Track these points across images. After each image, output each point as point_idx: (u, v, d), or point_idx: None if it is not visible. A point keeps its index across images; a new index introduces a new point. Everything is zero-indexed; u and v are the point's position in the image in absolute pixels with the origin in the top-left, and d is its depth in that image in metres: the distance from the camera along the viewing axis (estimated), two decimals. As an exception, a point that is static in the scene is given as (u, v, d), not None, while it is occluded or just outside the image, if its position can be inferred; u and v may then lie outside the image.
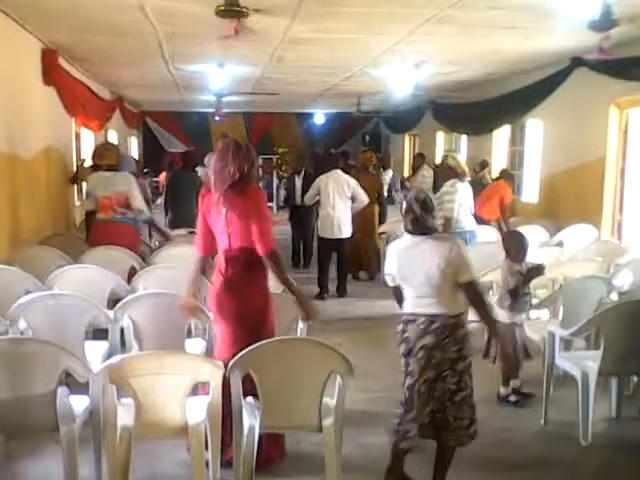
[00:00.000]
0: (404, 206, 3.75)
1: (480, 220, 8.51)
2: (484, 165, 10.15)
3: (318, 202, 8.71)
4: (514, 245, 5.10)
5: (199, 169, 9.59)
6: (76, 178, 9.19)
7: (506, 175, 9.59)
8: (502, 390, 5.14)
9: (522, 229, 8.10)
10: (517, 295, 4.97)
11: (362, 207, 8.72)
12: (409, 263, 3.67)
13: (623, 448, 4.43)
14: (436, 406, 3.62)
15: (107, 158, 7.06)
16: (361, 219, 9.23)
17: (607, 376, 4.67)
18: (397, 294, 3.84)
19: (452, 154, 8.74)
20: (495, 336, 3.92)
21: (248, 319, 4.03)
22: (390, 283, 3.85)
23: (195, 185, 8.25)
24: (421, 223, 3.65)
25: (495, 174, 11.31)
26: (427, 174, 11.64)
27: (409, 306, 3.71)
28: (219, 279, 4.07)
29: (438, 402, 3.62)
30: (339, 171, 8.63)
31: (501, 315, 5.00)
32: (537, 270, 5.01)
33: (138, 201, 6.84)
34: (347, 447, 3.97)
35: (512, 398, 5.10)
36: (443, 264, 3.57)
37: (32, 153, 7.37)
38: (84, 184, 8.82)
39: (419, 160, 12.36)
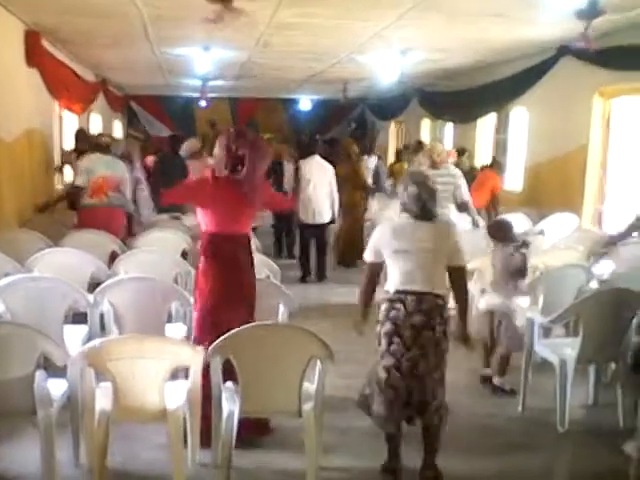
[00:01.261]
0: (410, 190, 3.75)
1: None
2: (461, 152, 10.14)
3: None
4: (502, 230, 5.20)
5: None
6: (62, 165, 9.16)
7: (497, 165, 9.60)
8: (496, 380, 5.14)
9: (505, 217, 8.19)
10: (524, 274, 5.06)
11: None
12: (404, 239, 3.72)
13: (600, 434, 4.47)
14: (415, 385, 3.64)
15: (86, 143, 7.06)
16: (350, 207, 9.25)
17: (585, 363, 4.71)
18: (373, 271, 3.87)
19: (432, 142, 8.79)
20: (464, 322, 3.91)
21: (251, 302, 4.20)
22: (370, 258, 3.85)
23: (184, 170, 8.23)
24: (428, 209, 3.75)
25: (480, 162, 11.38)
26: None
27: (396, 283, 3.69)
28: (222, 262, 4.09)
29: (417, 381, 3.64)
30: (318, 157, 8.72)
31: (494, 301, 5.05)
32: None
33: (129, 190, 6.92)
34: (327, 432, 3.99)
35: (498, 386, 5.12)
36: (439, 245, 3.71)
37: (14, 135, 7.29)
38: (67, 167, 8.78)
39: (418, 147, 12.27)
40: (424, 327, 3.63)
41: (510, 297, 5.07)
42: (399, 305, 3.65)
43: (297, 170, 8.90)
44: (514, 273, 5.04)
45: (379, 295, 3.89)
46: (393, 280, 3.73)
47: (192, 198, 4.27)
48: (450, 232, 3.83)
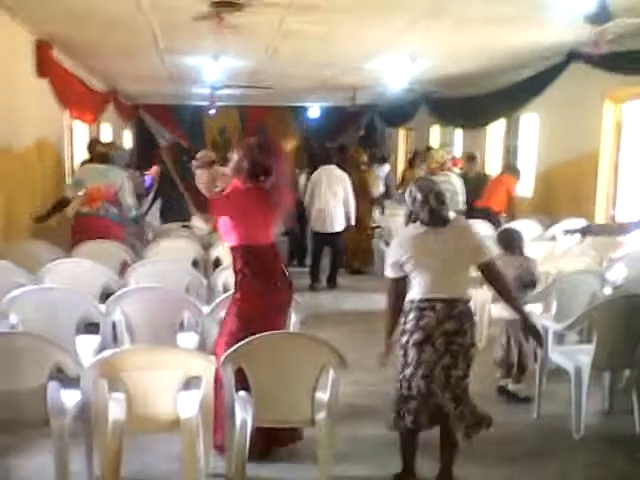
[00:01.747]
0: (419, 198, 3.67)
1: (488, 211, 8.66)
2: (471, 158, 10.12)
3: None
4: (511, 239, 5.15)
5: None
6: None
7: (513, 170, 9.57)
8: (511, 387, 5.10)
9: (516, 223, 8.20)
10: (534, 285, 5.02)
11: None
12: (425, 249, 3.62)
13: (615, 441, 4.44)
14: (449, 395, 3.57)
15: (99, 153, 7.04)
16: (358, 216, 9.27)
17: (600, 370, 4.68)
18: (396, 287, 3.70)
19: (432, 150, 8.87)
20: (520, 312, 3.82)
21: (288, 309, 4.17)
22: (392, 274, 3.70)
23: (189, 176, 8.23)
24: (437, 215, 3.66)
25: (490, 168, 11.38)
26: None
27: (423, 292, 3.59)
28: (263, 266, 4.05)
29: (450, 390, 3.57)
30: (332, 166, 8.80)
31: (496, 309, 5.02)
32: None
33: (128, 198, 6.82)
34: (339, 441, 3.97)
35: (513, 393, 5.09)
36: (460, 248, 3.63)
37: (25, 146, 7.33)
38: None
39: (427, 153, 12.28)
40: (457, 333, 3.56)
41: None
42: (430, 312, 3.55)
43: (308, 179, 8.96)
44: (526, 284, 4.98)
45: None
46: (418, 289, 3.63)
47: (237, 210, 3.99)
48: (468, 231, 3.74)
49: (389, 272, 3.73)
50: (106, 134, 13.14)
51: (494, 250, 5.23)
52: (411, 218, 3.74)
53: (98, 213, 6.70)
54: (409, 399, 3.61)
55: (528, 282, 4.99)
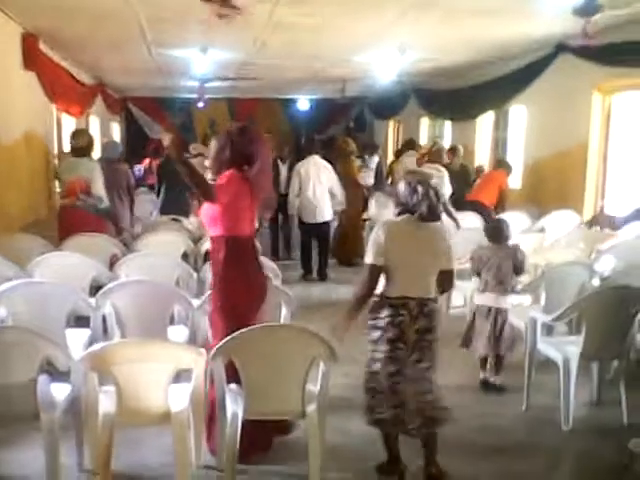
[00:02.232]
0: (420, 191, 3.65)
1: (477, 205, 8.66)
2: (454, 151, 10.09)
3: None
4: (500, 230, 5.17)
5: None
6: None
7: (505, 164, 9.59)
8: (492, 378, 5.16)
9: (505, 215, 8.23)
10: (519, 272, 5.09)
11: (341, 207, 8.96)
12: (406, 248, 3.66)
13: (604, 432, 4.46)
14: (417, 388, 3.65)
15: (74, 144, 7.01)
16: (347, 206, 9.27)
17: (588, 361, 4.70)
18: (375, 274, 3.67)
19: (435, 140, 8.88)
20: None
21: (264, 299, 4.11)
22: (372, 260, 3.65)
23: None
24: (433, 210, 3.67)
25: (479, 160, 11.40)
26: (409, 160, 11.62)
27: (398, 289, 3.63)
28: (246, 258, 4.03)
29: (418, 383, 3.66)
30: (317, 156, 8.82)
31: (484, 299, 5.05)
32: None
33: (98, 188, 6.80)
34: (329, 433, 3.98)
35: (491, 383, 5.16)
36: (438, 251, 3.69)
37: (12, 139, 7.29)
38: None
39: (409, 145, 12.31)
40: (427, 331, 3.65)
41: (504, 297, 5.07)
42: (404, 311, 3.61)
43: (291, 170, 8.99)
44: (508, 273, 5.04)
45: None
46: (393, 286, 3.66)
47: (230, 199, 3.88)
48: (445, 235, 3.81)
49: (372, 258, 3.67)
50: (94, 127, 13.08)
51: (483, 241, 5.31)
52: (402, 209, 3.73)
53: (76, 205, 6.67)
54: (375, 393, 3.68)
55: (517, 268, 5.05)
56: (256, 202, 4.04)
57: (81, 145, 6.92)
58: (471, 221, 8.05)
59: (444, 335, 3.84)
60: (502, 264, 5.04)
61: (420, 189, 3.66)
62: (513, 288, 5.15)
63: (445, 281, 3.75)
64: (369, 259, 3.69)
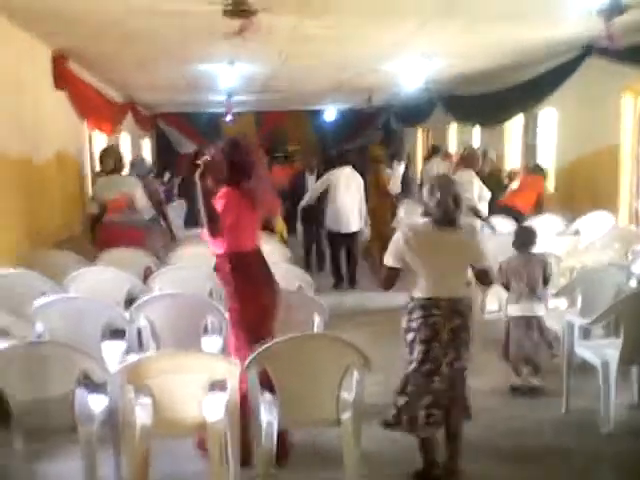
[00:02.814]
0: (437, 196, 3.68)
1: (512, 210, 8.65)
2: (483, 156, 10.03)
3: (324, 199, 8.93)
4: (528, 237, 5.15)
5: None
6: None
7: (540, 170, 9.51)
8: (532, 379, 5.13)
9: (539, 218, 8.17)
10: (547, 281, 5.09)
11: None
12: (432, 248, 3.69)
13: (645, 435, 4.39)
14: (450, 383, 3.68)
15: (104, 164, 7.17)
16: (376, 213, 9.25)
17: (628, 364, 4.61)
18: (392, 276, 3.79)
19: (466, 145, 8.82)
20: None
21: (276, 309, 4.12)
22: (392, 263, 3.75)
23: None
24: (449, 216, 3.69)
25: (509, 165, 11.30)
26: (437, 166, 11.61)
27: (427, 290, 3.67)
28: (253, 272, 4.03)
29: (452, 381, 3.69)
30: (348, 167, 8.88)
31: (519, 309, 5.01)
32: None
33: (142, 202, 6.94)
34: (364, 441, 3.94)
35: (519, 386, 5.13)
36: (465, 250, 3.73)
37: (45, 157, 7.41)
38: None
39: (432, 151, 12.32)
40: (461, 329, 3.67)
41: (538, 304, 5.05)
42: (436, 311, 3.63)
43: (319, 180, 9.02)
44: (539, 280, 5.03)
45: (403, 300, 3.86)
46: (423, 287, 3.69)
47: (230, 216, 3.90)
48: (474, 235, 3.81)
49: (390, 261, 3.77)
50: (125, 144, 13.24)
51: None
52: (425, 212, 3.78)
53: (121, 221, 6.78)
54: (405, 395, 3.72)
55: (545, 277, 5.06)
56: (258, 215, 4.06)
57: (111, 166, 7.07)
58: (504, 226, 7.98)
59: (478, 339, 3.82)
60: (533, 272, 5.02)
61: (437, 194, 3.69)
62: (544, 296, 5.11)
63: (482, 277, 3.84)
64: (387, 260, 3.79)
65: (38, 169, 7.13)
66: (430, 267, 3.67)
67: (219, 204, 3.91)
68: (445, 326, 3.63)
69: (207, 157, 3.92)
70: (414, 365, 3.69)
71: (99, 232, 7.08)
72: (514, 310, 5.09)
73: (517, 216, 8.48)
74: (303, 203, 9.29)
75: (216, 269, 4.21)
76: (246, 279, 4.01)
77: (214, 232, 3.87)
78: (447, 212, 3.67)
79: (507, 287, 5.13)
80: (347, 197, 8.70)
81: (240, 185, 3.96)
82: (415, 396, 3.68)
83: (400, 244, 3.71)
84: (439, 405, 3.67)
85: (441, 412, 3.68)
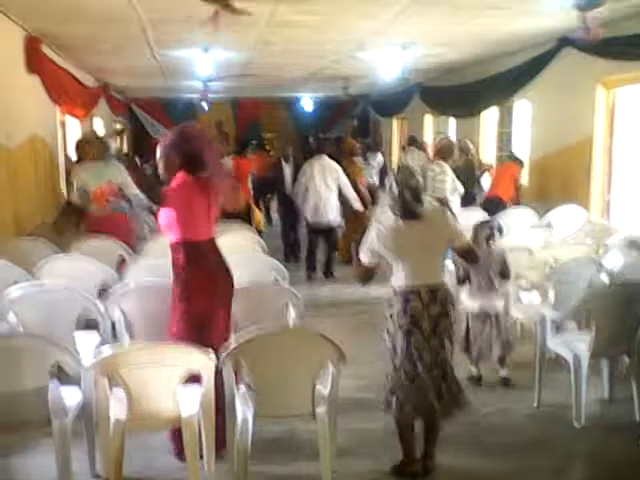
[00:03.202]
0: (394, 190, 3.73)
1: (496, 200, 8.79)
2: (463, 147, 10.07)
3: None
4: (487, 231, 5.19)
5: None
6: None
7: (517, 159, 9.58)
8: (501, 372, 5.20)
9: (512, 210, 8.24)
10: (505, 275, 5.16)
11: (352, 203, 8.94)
12: (404, 241, 3.72)
13: (616, 429, 4.45)
14: (439, 372, 3.71)
15: (90, 154, 7.04)
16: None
17: (599, 357, 4.69)
18: (368, 271, 3.86)
19: (440, 135, 8.85)
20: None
21: (231, 300, 4.11)
22: (365, 258, 3.82)
23: None
24: (409, 209, 3.71)
25: (485, 156, 11.36)
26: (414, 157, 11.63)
27: (407, 280, 3.70)
28: (207, 263, 4.00)
29: (440, 368, 3.72)
30: (325, 156, 8.86)
31: (478, 302, 5.08)
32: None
33: (133, 188, 6.81)
34: (339, 434, 3.97)
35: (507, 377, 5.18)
36: (438, 235, 3.76)
37: (17, 143, 7.28)
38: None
39: (409, 142, 12.35)
40: (441, 315, 3.70)
41: (497, 298, 5.12)
42: (415, 298, 3.67)
43: (297, 169, 9.01)
44: (496, 275, 5.13)
45: (383, 291, 3.89)
46: (401, 277, 3.72)
47: (182, 204, 3.88)
48: (444, 217, 3.84)
49: (363, 256, 3.83)
50: (98, 129, 13.08)
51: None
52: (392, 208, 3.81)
53: (110, 209, 6.66)
54: (397, 388, 3.72)
55: (504, 272, 5.14)
56: (213, 205, 4.01)
57: (99, 157, 6.96)
58: (480, 218, 8.00)
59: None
60: (492, 266, 5.09)
61: (395, 190, 3.73)
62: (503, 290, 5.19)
63: (466, 255, 3.95)
64: (362, 257, 3.85)
65: (11, 155, 7.00)
66: (406, 259, 3.70)
67: (170, 190, 3.90)
68: (423, 314, 3.66)
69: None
70: (400, 357, 3.71)
71: (86, 222, 6.96)
72: (473, 304, 5.15)
73: (500, 207, 8.57)
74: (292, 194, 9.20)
75: (171, 258, 4.12)
76: (199, 269, 3.97)
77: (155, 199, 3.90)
78: (406, 206, 3.70)
79: (463, 281, 5.17)
80: (324, 187, 8.68)
81: (193, 174, 3.93)
82: (403, 385, 3.70)
83: (374, 241, 3.76)
84: (427, 390, 3.69)
85: (428, 398, 3.69)
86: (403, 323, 3.68)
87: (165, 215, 3.94)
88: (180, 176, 3.93)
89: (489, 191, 9.27)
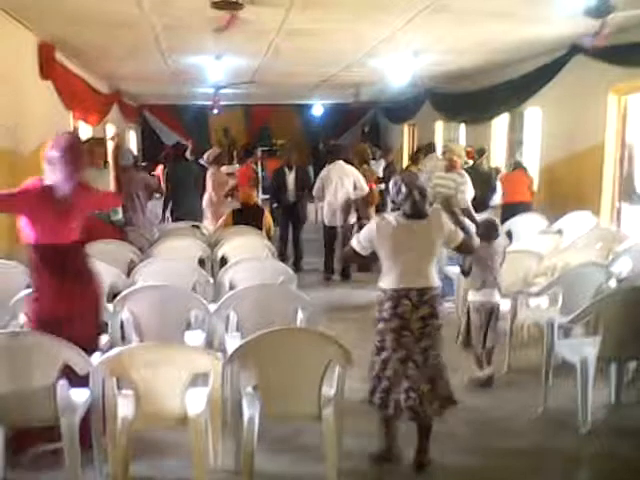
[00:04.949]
0: (403, 190, 3.83)
1: (515, 206, 8.78)
2: (482, 152, 10.09)
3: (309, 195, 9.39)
4: (492, 229, 5.27)
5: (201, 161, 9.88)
6: None
7: (522, 166, 9.58)
8: (485, 372, 5.23)
9: (522, 216, 8.23)
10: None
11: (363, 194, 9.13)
12: (403, 241, 3.80)
13: (623, 435, 4.43)
14: (429, 372, 3.78)
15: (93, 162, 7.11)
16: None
17: (606, 362, 4.68)
18: (353, 257, 4.03)
19: (450, 145, 8.83)
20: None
21: (95, 313, 4.12)
22: (358, 248, 3.94)
23: (193, 175, 8.43)
24: (419, 208, 3.82)
25: (496, 163, 11.36)
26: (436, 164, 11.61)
27: (397, 281, 3.79)
28: (61, 274, 3.92)
29: (432, 369, 3.80)
30: (342, 162, 9.13)
31: (483, 295, 5.14)
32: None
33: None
34: (345, 436, 3.98)
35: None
36: (435, 238, 3.85)
37: (30, 148, 7.35)
38: None
39: (428, 149, 12.30)
40: (430, 316, 3.79)
41: (499, 292, 5.20)
42: (405, 300, 3.76)
43: (300, 176, 9.48)
44: (499, 270, 5.23)
45: (374, 293, 3.95)
46: (393, 278, 3.81)
47: (27, 208, 3.85)
48: (440, 218, 3.93)
49: (356, 245, 3.96)
50: (110, 135, 13.17)
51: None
52: (393, 207, 3.95)
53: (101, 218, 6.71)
54: (382, 379, 3.82)
55: (497, 267, 5.24)
56: (68, 210, 3.89)
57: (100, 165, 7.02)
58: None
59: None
60: (496, 261, 5.18)
61: (404, 189, 3.83)
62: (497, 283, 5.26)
63: (464, 249, 4.10)
64: (355, 243, 3.97)
65: (24, 160, 7.07)
66: (399, 259, 3.79)
67: (17, 191, 3.92)
68: (413, 315, 3.74)
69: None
70: (385, 353, 3.80)
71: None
72: (478, 296, 5.19)
73: (527, 209, 8.68)
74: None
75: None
76: (53, 274, 3.91)
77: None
78: (415, 205, 3.81)
79: (467, 273, 5.21)
80: (340, 191, 8.97)
81: (41, 180, 3.92)
82: (395, 379, 3.78)
83: (372, 229, 3.86)
84: (416, 390, 3.75)
85: (418, 397, 3.75)
86: (393, 325, 3.77)
87: (21, 218, 3.91)
88: (31, 180, 3.96)
89: (508, 197, 9.12)
